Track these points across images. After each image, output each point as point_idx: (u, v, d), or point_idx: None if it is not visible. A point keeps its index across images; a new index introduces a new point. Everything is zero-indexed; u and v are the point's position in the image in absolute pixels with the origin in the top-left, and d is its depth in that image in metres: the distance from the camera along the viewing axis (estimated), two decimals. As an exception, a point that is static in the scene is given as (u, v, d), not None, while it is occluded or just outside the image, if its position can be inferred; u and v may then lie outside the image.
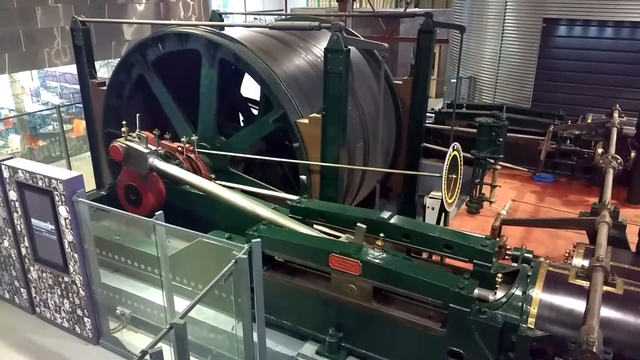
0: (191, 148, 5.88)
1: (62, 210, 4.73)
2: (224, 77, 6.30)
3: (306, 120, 5.63)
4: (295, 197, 4.98)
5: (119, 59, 7.23)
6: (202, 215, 5.40)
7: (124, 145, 5.25)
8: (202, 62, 6.12)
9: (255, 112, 8.58)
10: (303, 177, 5.89)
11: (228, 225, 4.95)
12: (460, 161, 5.71)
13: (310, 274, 4.28)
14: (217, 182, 5.46)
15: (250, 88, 8.54)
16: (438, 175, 5.33)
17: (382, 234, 4.12)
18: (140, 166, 5.23)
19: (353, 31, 7.39)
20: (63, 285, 5.16)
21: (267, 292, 3.91)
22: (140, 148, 5.10)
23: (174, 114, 6.53)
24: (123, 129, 5.32)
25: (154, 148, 5.20)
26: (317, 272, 4.24)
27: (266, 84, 5.77)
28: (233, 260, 3.52)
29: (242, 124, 8.39)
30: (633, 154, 6.76)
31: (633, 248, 4.43)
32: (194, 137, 5.99)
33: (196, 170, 5.81)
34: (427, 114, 8.32)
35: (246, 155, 6.29)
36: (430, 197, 7.35)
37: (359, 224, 4.10)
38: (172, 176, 5.23)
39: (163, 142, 5.97)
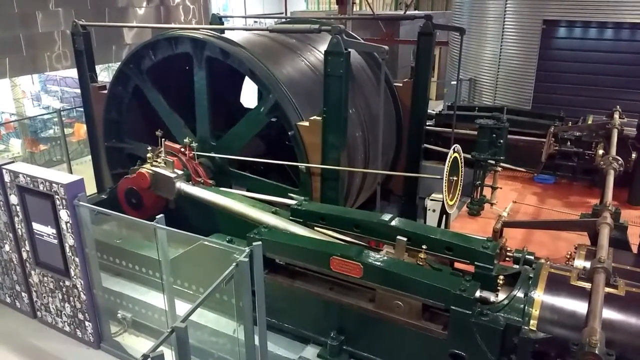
0: (191, 154, 5.90)
1: (63, 214, 4.74)
2: (222, 85, 6.29)
3: (306, 123, 5.64)
4: (295, 202, 4.97)
5: (119, 63, 7.23)
6: (204, 219, 5.40)
7: (151, 172, 5.15)
8: (193, 65, 6.12)
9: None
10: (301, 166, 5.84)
11: (231, 229, 4.96)
12: (461, 163, 5.71)
13: (312, 277, 4.28)
14: (224, 189, 5.44)
15: (250, 99, 8.53)
16: (439, 177, 5.33)
17: (424, 246, 3.96)
18: (168, 191, 5.13)
19: (353, 34, 7.40)
20: (64, 289, 5.16)
21: (269, 295, 3.91)
22: (167, 173, 5.01)
23: (170, 120, 6.53)
24: (148, 155, 5.24)
25: (180, 172, 5.09)
26: (319, 275, 4.23)
27: (266, 86, 5.77)
28: (234, 264, 3.51)
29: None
30: (634, 155, 6.76)
31: (635, 249, 4.43)
32: (195, 144, 6.00)
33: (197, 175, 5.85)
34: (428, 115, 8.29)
35: (247, 158, 6.28)
36: (431, 199, 7.34)
37: (399, 237, 4.00)
38: (200, 199, 5.10)
39: (167, 143, 5.99)
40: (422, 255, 3.94)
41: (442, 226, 6.03)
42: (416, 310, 3.70)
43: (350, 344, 4.09)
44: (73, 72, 11.56)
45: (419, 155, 7.98)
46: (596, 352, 2.67)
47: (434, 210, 7.27)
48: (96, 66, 7.54)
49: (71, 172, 9.19)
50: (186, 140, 5.99)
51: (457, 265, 4.15)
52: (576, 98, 9.99)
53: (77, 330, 5.28)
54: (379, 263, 3.80)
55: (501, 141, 6.51)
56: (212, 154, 6.23)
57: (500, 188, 7.04)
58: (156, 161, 5.11)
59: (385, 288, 3.79)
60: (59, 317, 5.39)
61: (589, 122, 7.58)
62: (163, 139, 6.03)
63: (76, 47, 7.20)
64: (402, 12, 21.22)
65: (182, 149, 5.92)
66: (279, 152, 6.92)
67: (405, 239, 3.99)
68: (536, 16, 10.35)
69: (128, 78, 6.76)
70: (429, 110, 9.03)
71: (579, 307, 3.29)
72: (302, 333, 4.35)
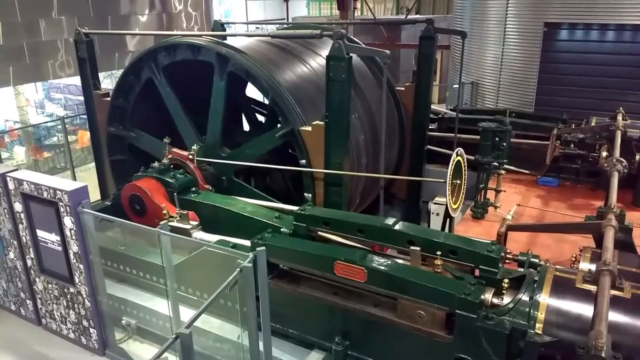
0: (191, 158, 5.94)
1: (67, 221, 4.75)
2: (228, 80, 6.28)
3: (309, 128, 5.64)
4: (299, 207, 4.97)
5: (122, 70, 7.23)
6: (207, 225, 5.41)
7: (169, 227, 5.24)
8: (214, 73, 6.09)
9: (260, 117, 8.56)
10: (308, 195, 5.86)
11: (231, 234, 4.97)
12: (464, 166, 5.70)
13: (316, 282, 4.27)
14: (227, 196, 5.50)
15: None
16: (442, 181, 5.32)
17: (438, 252, 3.88)
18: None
19: (355, 39, 7.42)
20: (69, 296, 5.16)
21: (273, 300, 3.90)
22: (183, 226, 5.12)
23: (181, 122, 6.53)
24: (164, 212, 5.32)
25: (195, 223, 5.20)
26: (323, 279, 4.22)
27: (269, 92, 5.78)
28: (238, 269, 3.51)
29: (244, 127, 8.39)
30: (638, 157, 6.74)
31: (640, 251, 4.41)
32: (195, 147, 6.02)
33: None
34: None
35: (250, 163, 6.30)
36: (435, 203, 7.34)
37: (412, 247, 3.96)
38: None
39: (174, 150, 6.02)
40: (438, 262, 3.84)
41: (446, 230, 6.02)
42: (439, 320, 3.64)
43: (355, 349, 4.07)
44: (76, 80, 11.65)
45: (422, 158, 7.98)
46: (602, 355, 2.66)
47: (437, 214, 7.26)
48: (99, 73, 7.56)
49: (75, 179, 9.23)
50: (194, 147, 6.03)
51: (478, 273, 4.11)
52: (579, 100, 9.98)
53: (82, 337, 5.28)
54: (383, 268, 3.79)
55: (504, 144, 6.50)
56: (215, 160, 6.23)
57: (504, 191, 7.02)
58: (172, 216, 5.18)
59: (389, 292, 3.78)
60: (63, 324, 5.39)
61: (592, 124, 7.57)
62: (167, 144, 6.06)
63: (79, 54, 7.22)
64: (403, 17, 21.29)
65: (190, 156, 5.96)
66: (282, 156, 6.95)
67: (419, 248, 3.94)
68: (538, 19, 10.35)
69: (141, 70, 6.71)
70: (440, 110, 9.05)
71: (585, 310, 3.27)
72: (307, 338, 4.34)
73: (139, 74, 6.70)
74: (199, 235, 5.08)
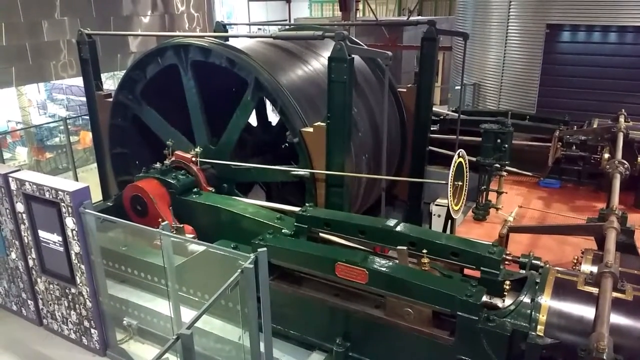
0: (193, 160, 5.95)
1: (69, 222, 4.75)
2: (233, 79, 6.28)
3: (311, 129, 5.65)
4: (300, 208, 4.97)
5: (124, 71, 7.22)
6: (208, 226, 5.42)
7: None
8: (247, 90, 6.03)
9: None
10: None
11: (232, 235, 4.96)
12: (466, 168, 5.69)
13: (317, 283, 4.27)
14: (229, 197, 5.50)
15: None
16: (444, 182, 5.31)
17: (425, 251, 3.93)
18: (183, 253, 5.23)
19: (357, 40, 7.42)
20: (70, 297, 5.17)
21: (274, 301, 3.90)
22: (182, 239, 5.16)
23: (196, 117, 6.45)
24: (162, 224, 5.36)
25: (191, 236, 5.24)
26: (324, 281, 4.22)
27: (270, 93, 5.79)
28: (239, 270, 3.51)
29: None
30: (640, 159, 6.73)
31: (642, 253, 4.39)
32: (198, 150, 6.04)
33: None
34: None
35: (253, 165, 6.30)
36: (436, 205, 7.33)
37: (399, 247, 3.99)
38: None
39: (177, 152, 6.03)
40: (425, 260, 3.90)
41: (448, 231, 6.01)
42: (426, 318, 3.67)
43: (356, 350, 4.07)
44: (79, 81, 11.68)
45: (423, 160, 7.97)
46: (604, 357, 2.65)
47: (439, 216, 7.26)
48: (102, 74, 7.58)
49: (77, 180, 9.25)
50: (197, 149, 6.04)
51: (466, 272, 4.13)
52: (581, 102, 9.96)
53: (83, 337, 5.28)
54: (384, 269, 3.79)
55: (506, 146, 6.49)
56: (216, 161, 6.23)
57: (506, 193, 7.01)
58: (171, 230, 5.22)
59: (390, 294, 3.77)
60: (64, 324, 5.39)
61: (594, 125, 7.55)
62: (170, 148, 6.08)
63: (82, 55, 7.24)
64: (405, 18, 21.31)
65: (193, 159, 5.96)
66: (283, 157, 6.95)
67: (405, 247, 3.97)
68: (540, 20, 10.35)
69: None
70: (441, 111, 9.04)
71: (587, 312, 3.27)
72: (308, 340, 4.34)
73: (163, 56, 6.51)
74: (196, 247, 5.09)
